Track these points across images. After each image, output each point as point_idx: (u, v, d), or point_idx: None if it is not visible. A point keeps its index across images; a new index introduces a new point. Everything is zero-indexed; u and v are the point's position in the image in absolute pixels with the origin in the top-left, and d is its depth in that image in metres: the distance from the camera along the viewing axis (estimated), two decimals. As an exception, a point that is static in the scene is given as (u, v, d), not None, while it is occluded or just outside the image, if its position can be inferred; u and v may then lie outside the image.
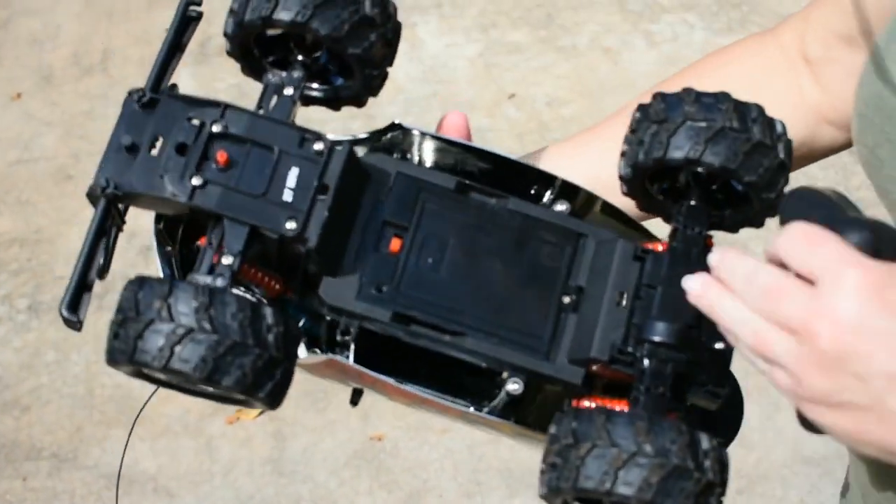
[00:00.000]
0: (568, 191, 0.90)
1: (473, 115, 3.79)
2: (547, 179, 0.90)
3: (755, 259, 0.75)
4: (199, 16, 0.86)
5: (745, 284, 0.74)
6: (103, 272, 0.80)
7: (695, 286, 0.77)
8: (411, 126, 0.89)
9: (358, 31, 0.81)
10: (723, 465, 0.74)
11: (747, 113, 0.81)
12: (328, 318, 0.84)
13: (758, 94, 1.04)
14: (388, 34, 0.83)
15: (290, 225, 0.79)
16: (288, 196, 0.79)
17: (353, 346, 0.84)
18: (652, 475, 0.71)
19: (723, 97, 0.81)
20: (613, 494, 0.71)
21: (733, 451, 2.70)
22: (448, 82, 3.96)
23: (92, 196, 0.80)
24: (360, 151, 0.88)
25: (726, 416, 0.89)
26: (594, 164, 0.98)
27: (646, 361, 0.78)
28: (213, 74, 3.78)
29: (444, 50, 4.16)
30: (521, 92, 3.91)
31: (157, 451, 2.66)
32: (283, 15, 0.80)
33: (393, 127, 0.89)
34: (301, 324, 0.86)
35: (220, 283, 0.77)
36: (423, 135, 0.89)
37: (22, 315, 3.09)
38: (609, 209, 0.90)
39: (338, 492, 2.59)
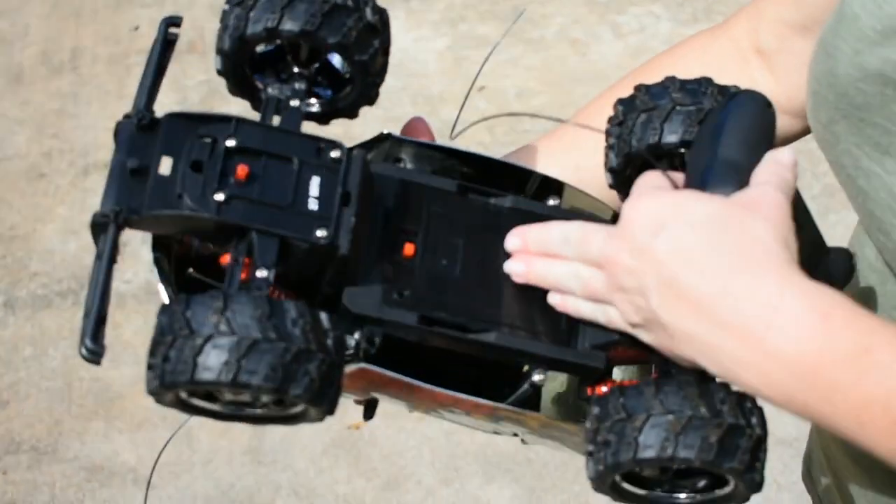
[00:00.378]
0: (554, 188, 0.91)
1: (443, 108, 3.82)
2: (531, 178, 0.91)
3: (555, 222, 0.82)
4: (176, 38, 0.85)
5: (561, 244, 0.81)
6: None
7: (517, 268, 0.84)
8: (400, 136, 0.90)
9: (363, 39, 0.82)
10: (763, 420, 0.76)
11: (727, 92, 0.84)
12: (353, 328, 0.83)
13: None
14: (385, 42, 0.84)
15: (321, 233, 0.78)
16: (314, 205, 0.78)
17: (373, 353, 0.83)
18: (711, 435, 0.73)
19: (706, 81, 0.84)
20: (676, 459, 0.74)
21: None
22: (418, 76, 3.98)
23: (99, 224, 0.77)
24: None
25: None
26: (571, 162, 1.00)
27: None
28: (182, 71, 3.78)
29: (413, 44, 4.18)
30: (490, 84, 3.94)
31: (137, 443, 2.67)
32: (291, 25, 0.79)
33: (382, 137, 0.90)
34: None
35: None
36: (413, 143, 0.90)
37: (-3, 312, 3.10)
38: (579, 199, 0.92)
39: (317, 480, 2.61)
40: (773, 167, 0.78)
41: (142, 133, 0.78)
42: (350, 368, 0.81)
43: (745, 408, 0.76)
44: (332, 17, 0.80)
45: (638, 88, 0.86)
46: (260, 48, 0.84)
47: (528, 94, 3.87)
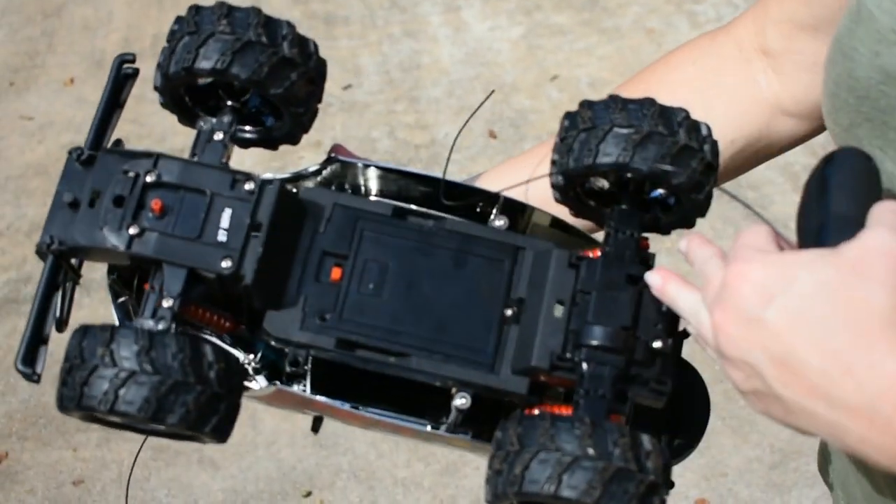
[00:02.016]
0: (509, 207, 0.90)
1: (516, 96, 3.83)
2: (487, 197, 0.91)
3: (712, 248, 0.77)
4: (136, 72, 0.88)
5: (698, 271, 0.77)
6: (62, 324, 0.83)
7: (656, 280, 0.80)
8: (348, 158, 0.90)
9: (278, 73, 0.83)
10: (666, 465, 0.74)
11: (673, 117, 0.82)
12: (279, 349, 0.86)
13: (711, 91, 1.04)
14: (310, 73, 0.84)
15: (226, 264, 0.80)
16: (223, 236, 0.81)
17: (308, 376, 0.85)
18: (596, 478, 0.72)
19: (648, 103, 0.82)
20: (559, 498, 0.72)
21: (768, 426, 2.71)
22: (491, 65, 3.99)
23: (40, 253, 0.83)
24: (309, 184, 0.90)
25: (692, 416, 0.90)
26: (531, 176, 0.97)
27: (584, 365, 0.79)
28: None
29: (488, 33, 4.19)
30: (563, 74, 3.93)
31: (203, 424, 2.72)
32: (204, 63, 0.82)
33: (330, 160, 0.91)
34: (258, 357, 0.87)
35: (161, 325, 0.79)
36: (362, 165, 0.90)
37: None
38: (554, 221, 0.91)
39: (376, 463, 2.65)
40: (886, 207, 0.72)
41: (82, 167, 0.82)
42: (268, 390, 0.84)
43: (641, 451, 0.74)
44: (242, 53, 0.82)
45: (582, 105, 0.84)
46: (200, 82, 0.86)
47: (601, 84, 3.86)
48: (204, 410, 0.75)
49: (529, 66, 3.97)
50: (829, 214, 0.73)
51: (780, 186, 3.34)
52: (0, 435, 2.77)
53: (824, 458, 1.10)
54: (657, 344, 0.80)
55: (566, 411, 0.81)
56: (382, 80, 3.93)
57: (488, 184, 0.95)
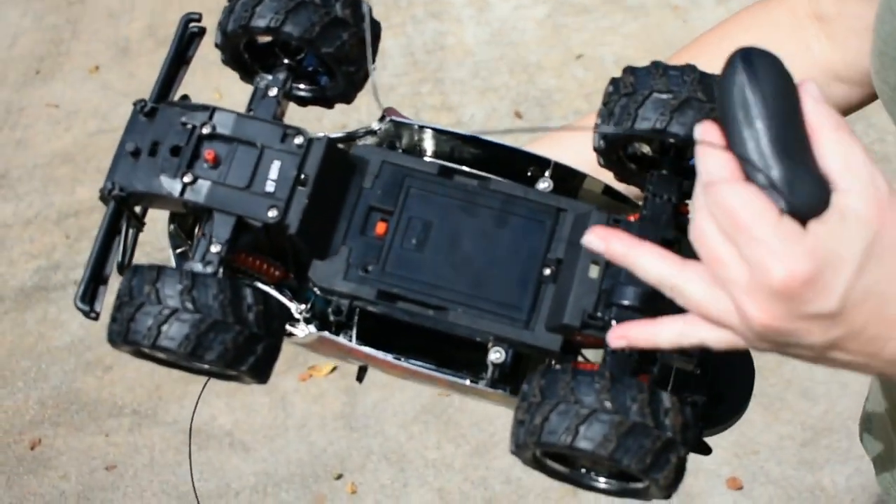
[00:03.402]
0: (560, 173, 0.93)
1: (541, 76, 3.81)
2: (537, 161, 0.93)
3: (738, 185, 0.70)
4: (202, 31, 0.93)
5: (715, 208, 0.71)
6: (124, 268, 0.87)
7: (594, 243, 0.74)
8: (401, 119, 0.93)
9: (329, 32, 0.86)
10: (685, 424, 0.76)
11: (713, 83, 0.83)
12: (329, 300, 0.89)
13: None
14: (361, 33, 0.88)
15: (272, 213, 0.85)
16: (270, 187, 0.85)
17: (354, 325, 0.89)
18: (611, 431, 0.74)
19: (688, 69, 0.83)
20: (574, 449, 0.75)
21: (799, 403, 2.70)
22: (516, 44, 3.98)
23: (102, 198, 0.87)
24: (362, 142, 0.93)
25: (737, 385, 0.92)
26: (582, 144, 0.99)
27: (614, 324, 0.80)
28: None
29: (513, 12, 4.17)
30: (588, 52, 3.91)
31: (233, 407, 2.74)
32: (259, 21, 0.86)
33: (383, 120, 0.94)
34: (310, 306, 0.90)
35: (209, 269, 0.84)
36: (417, 126, 0.93)
37: (103, 279, 3.18)
38: (606, 189, 0.93)
39: (407, 445, 2.65)
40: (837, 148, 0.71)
41: (145, 118, 0.87)
42: (312, 336, 0.88)
43: (659, 409, 0.75)
44: (296, 12, 0.86)
45: (625, 70, 0.85)
46: (260, 41, 0.90)
47: (627, 62, 3.80)
48: (241, 350, 0.80)
49: (554, 45, 3.95)
50: (782, 160, 0.69)
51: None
52: (33, 421, 2.79)
53: (869, 425, 1.10)
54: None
55: (594, 368, 0.83)
56: (407, 62, 3.92)
57: (544, 148, 0.97)
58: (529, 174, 0.93)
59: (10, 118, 3.83)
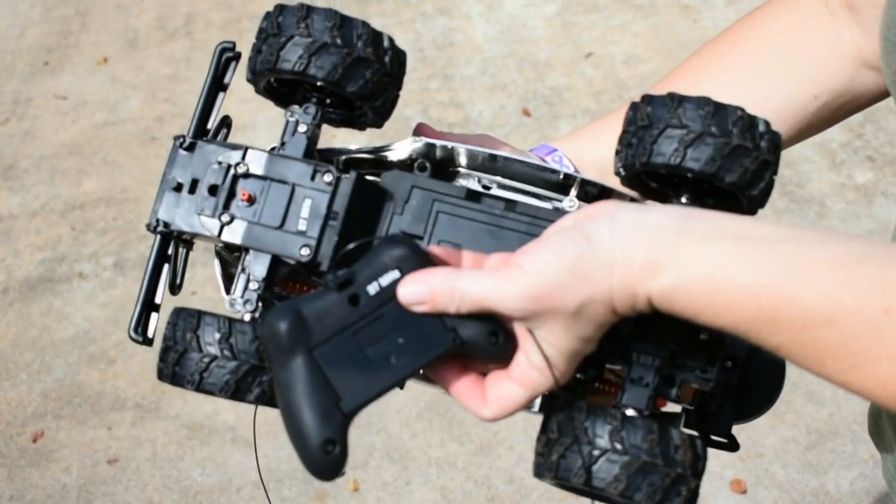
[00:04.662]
0: (588, 186, 0.94)
1: (550, 74, 3.80)
2: (566, 175, 0.95)
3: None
4: (238, 56, 0.96)
5: None
6: (177, 288, 0.93)
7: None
8: (433, 140, 0.95)
9: (353, 73, 0.89)
10: (695, 458, 0.80)
11: (727, 116, 0.84)
12: None
13: (795, 47, 1.05)
14: (384, 69, 0.90)
15: (304, 252, 0.88)
16: (303, 226, 0.89)
17: None
18: (622, 471, 0.78)
19: (703, 102, 0.84)
20: (588, 486, 0.79)
21: (804, 407, 2.68)
22: (525, 41, 3.97)
23: (150, 230, 0.92)
24: (392, 157, 0.96)
25: (769, 376, 0.94)
26: (606, 150, 1.00)
27: (632, 354, 0.84)
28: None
29: (523, 9, 4.16)
30: (598, 50, 3.90)
31: (236, 404, 2.72)
32: (285, 65, 0.89)
33: (415, 140, 0.97)
34: None
35: (248, 307, 0.88)
36: (439, 146, 0.95)
37: (108, 272, 3.18)
38: (626, 199, 0.93)
39: (410, 443, 2.64)
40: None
41: (185, 152, 0.92)
42: None
43: (669, 446, 0.79)
44: (318, 56, 0.89)
45: (643, 99, 0.86)
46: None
47: (636, 61, 3.82)
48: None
49: (564, 43, 3.94)
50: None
51: (816, 164, 3.30)
52: (35, 414, 2.79)
53: (875, 421, 1.09)
54: (703, 336, 0.83)
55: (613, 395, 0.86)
56: (416, 58, 3.91)
57: (574, 144, 1.00)
58: (560, 181, 0.95)
59: (17, 109, 3.82)
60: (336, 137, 3.15)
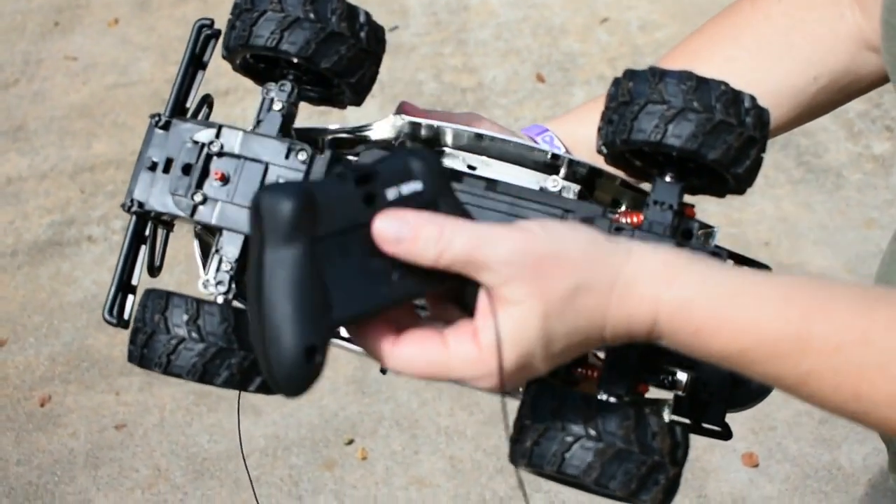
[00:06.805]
0: (576, 166, 0.92)
1: (564, 39, 3.76)
2: (554, 155, 0.93)
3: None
4: (217, 34, 0.94)
5: None
6: (156, 271, 0.92)
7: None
8: (415, 118, 0.93)
9: (327, 48, 0.87)
10: (674, 445, 0.77)
11: (710, 91, 0.81)
12: None
13: (795, 28, 1.03)
14: (360, 44, 0.88)
15: None
16: None
17: None
18: (596, 458, 0.76)
19: (685, 76, 0.81)
20: (561, 474, 0.77)
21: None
22: (540, 6, 3.92)
23: (124, 209, 0.91)
24: (373, 135, 0.94)
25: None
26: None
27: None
28: None
29: (538, -26, 4.12)
30: (613, 16, 3.86)
31: (245, 369, 2.71)
32: (257, 41, 0.87)
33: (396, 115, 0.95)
34: None
35: (220, 288, 0.87)
36: (424, 125, 0.93)
37: (117, 235, 3.16)
38: (623, 182, 0.92)
39: (419, 412, 2.63)
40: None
41: (161, 131, 0.91)
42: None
43: (646, 433, 0.78)
44: (291, 31, 0.87)
45: (625, 75, 0.83)
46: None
47: (652, 27, 3.78)
48: (248, 373, 0.83)
49: (579, 7, 3.90)
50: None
51: (833, 134, 3.26)
52: (43, 378, 2.78)
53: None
54: None
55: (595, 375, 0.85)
56: (429, 22, 3.88)
57: (569, 124, 1.00)
58: (548, 161, 0.93)
59: (28, 70, 3.80)
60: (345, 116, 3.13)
